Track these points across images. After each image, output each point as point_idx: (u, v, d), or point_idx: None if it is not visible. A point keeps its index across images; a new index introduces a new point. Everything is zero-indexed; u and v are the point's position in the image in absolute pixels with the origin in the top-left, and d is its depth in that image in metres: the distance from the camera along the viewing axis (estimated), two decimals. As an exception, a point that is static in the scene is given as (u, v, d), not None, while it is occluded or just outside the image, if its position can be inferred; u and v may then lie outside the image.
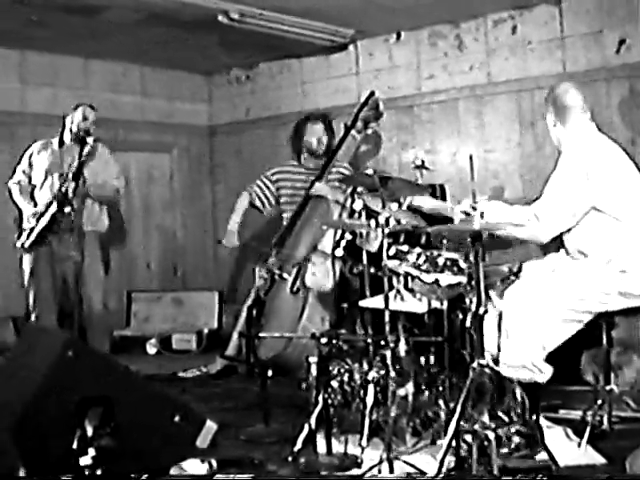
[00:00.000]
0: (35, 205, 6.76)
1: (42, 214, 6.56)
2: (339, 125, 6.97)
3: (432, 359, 4.89)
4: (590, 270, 4.66)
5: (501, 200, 5.11)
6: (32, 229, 6.62)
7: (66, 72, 8.84)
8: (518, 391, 4.38)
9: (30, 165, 6.94)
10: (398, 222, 4.90)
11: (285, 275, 6.40)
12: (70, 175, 6.36)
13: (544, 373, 4.63)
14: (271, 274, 6.45)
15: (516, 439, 4.18)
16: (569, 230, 4.77)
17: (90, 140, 6.33)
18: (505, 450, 4.15)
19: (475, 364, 4.11)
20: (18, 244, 6.71)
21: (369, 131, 6.68)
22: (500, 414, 4.17)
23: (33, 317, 6.89)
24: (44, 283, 6.82)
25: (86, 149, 6.27)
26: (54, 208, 6.47)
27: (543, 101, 5.22)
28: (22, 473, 3.79)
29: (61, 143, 6.88)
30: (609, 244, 4.65)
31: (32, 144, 7.07)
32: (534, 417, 4.35)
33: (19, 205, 6.91)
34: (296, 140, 7.12)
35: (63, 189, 6.41)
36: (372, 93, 6.71)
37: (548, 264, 4.94)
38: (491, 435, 3.92)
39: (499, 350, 4.48)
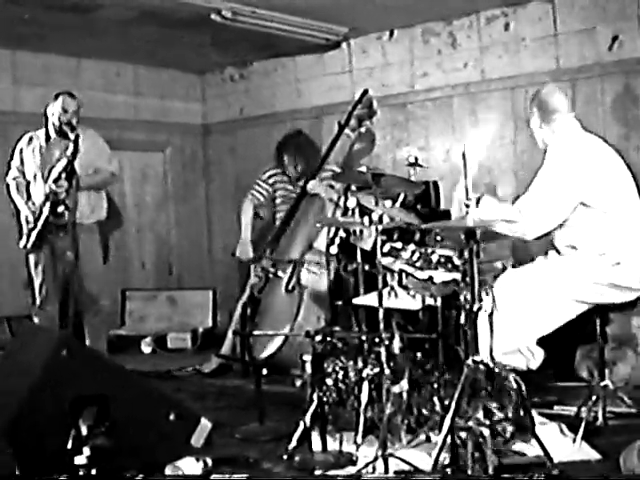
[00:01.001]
0: (32, 203, 6.73)
1: (38, 216, 6.54)
2: (333, 123, 6.97)
3: (426, 356, 4.90)
4: (583, 261, 4.68)
5: (495, 197, 5.11)
6: (31, 230, 6.61)
7: (59, 71, 8.83)
8: (512, 378, 4.38)
9: (22, 161, 6.91)
10: (392, 219, 4.91)
11: (280, 273, 6.40)
12: (62, 175, 6.32)
13: (536, 358, 4.65)
14: (266, 272, 6.44)
15: (510, 428, 4.19)
16: (559, 227, 4.78)
17: (73, 136, 6.23)
18: (499, 439, 4.15)
19: (469, 361, 4.11)
20: (21, 245, 6.71)
21: (363, 129, 6.68)
22: (494, 408, 4.17)
23: (36, 316, 6.85)
24: (47, 282, 6.80)
25: (70, 149, 6.18)
26: (47, 210, 6.45)
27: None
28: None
29: (47, 137, 6.84)
30: (600, 238, 4.68)
31: (21, 138, 7.02)
32: (526, 405, 4.36)
33: (16, 202, 6.88)
34: (277, 161, 7.21)
35: (54, 188, 6.38)
36: (366, 91, 6.71)
37: (539, 258, 4.96)
38: (486, 432, 3.92)
39: (492, 343, 4.49)
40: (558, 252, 4.88)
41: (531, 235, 4.77)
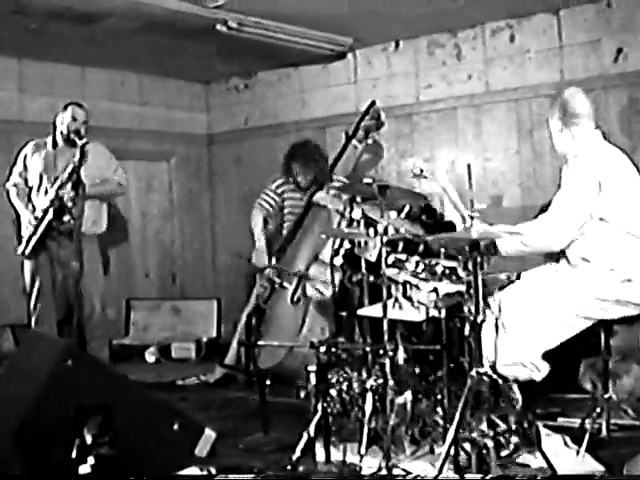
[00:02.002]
0: (33, 208, 6.73)
1: (40, 221, 6.54)
2: (337, 134, 6.98)
3: (430, 367, 4.90)
4: (590, 277, 4.67)
5: (499, 208, 5.11)
6: (31, 236, 6.61)
7: (64, 81, 8.85)
8: (515, 389, 4.38)
9: (25, 167, 6.92)
10: (396, 230, 4.91)
11: (285, 284, 6.39)
12: (69, 184, 6.33)
13: (541, 371, 4.64)
14: (271, 283, 6.44)
15: (514, 439, 4.18)
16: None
17: (81, 143, 6.24)
18: (504, 453, 4.15)
19: (473, 372, 4.11)
20: (19, 251, 6.71)
21: (370, 141, 6.68)
22: (497, 420, 4.16)
23: (33, 324, 6.87)
24: (45, 289, 6.80)
25: (77, 155, 6.19)
26: (50, 215, 6.45)
27: (541, 109, 5.20)
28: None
29: (54, 144, 6.86)
30: (612, 253, 4.65)
31: (25, 145, 7.04)
32: (530, 416, 4.36)
33: (17, 208, 6.89)
34: (286, 172, 7.20)
35: (60, 195, 6.39)
36: (373, 102, 6.71)
37: (548, 269, 4.94)
38: (489, 443, 3.92)
39: (496, 355, 4.48)
40: (569, 262, 4.85)
41: (559, 245, 4.73)
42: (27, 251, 6.66)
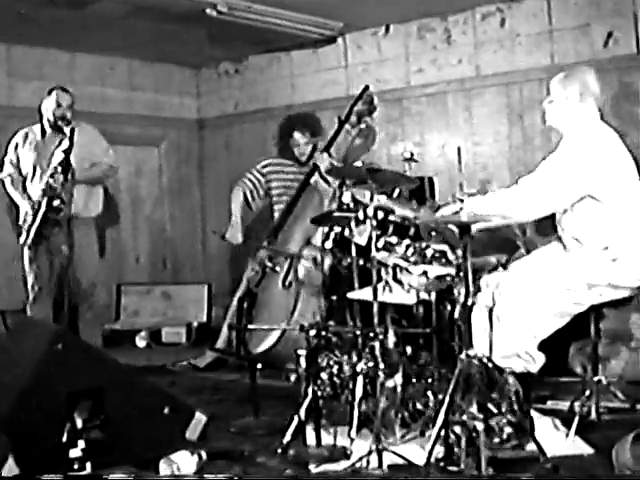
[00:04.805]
0: (29, 198, 6.73)
1: (37, 210, 6.53)
2: (328, 119, 6.97)
3: (421, 350, 4.91)
4: (580, 261, 4.67)
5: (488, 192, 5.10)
6: (30, 227, 6.61)
7: (54, 65, 8.82)
8: (511, 381, 4.38)
9: (17, 157, 6.91)
10: (386, 213, 4.91)
11: (277, 268, 6.39)
12: (58, 169, 6.31)
13: (537, 362, 4.65)
14: (263, 266, 6.43)
15: (507, 429, 4.19)
16: (564, 217, 4.77)
17: (67, 130, 6.20)
18: (496, 440, 4.16)
19: (463, 355, 4.12)
20: (20, 242, 6.71)
21: (363, 125, 6.67)
22: (490, 405, 4.17)
23: (29, 311, 6.87)
24: (42, 277, 6.81)
25: (65, 143, 6.15)
26: (44, 205, 6.44)
27: (531, 93, 5.18)
28: (12, 463, 3.78)
29: (43, 132, 6.84)
30: (605, 232, 4.65)
31: (15, 134, 7.03)
32: (525, 407, 4.36)
33: (14, 199, 6.91)
34: (282, 147, 7.16)
35: (50, 182, 6.38)
36: (366, 87, 6.70)
37: (539, 257, 4.94)
38: (480, 426, 3.93)
39: (491, 345, 4.49)
40: (563, 245, 4.86)
41: (524, 215, 4.75)
42: (29, 241, 6.66)
